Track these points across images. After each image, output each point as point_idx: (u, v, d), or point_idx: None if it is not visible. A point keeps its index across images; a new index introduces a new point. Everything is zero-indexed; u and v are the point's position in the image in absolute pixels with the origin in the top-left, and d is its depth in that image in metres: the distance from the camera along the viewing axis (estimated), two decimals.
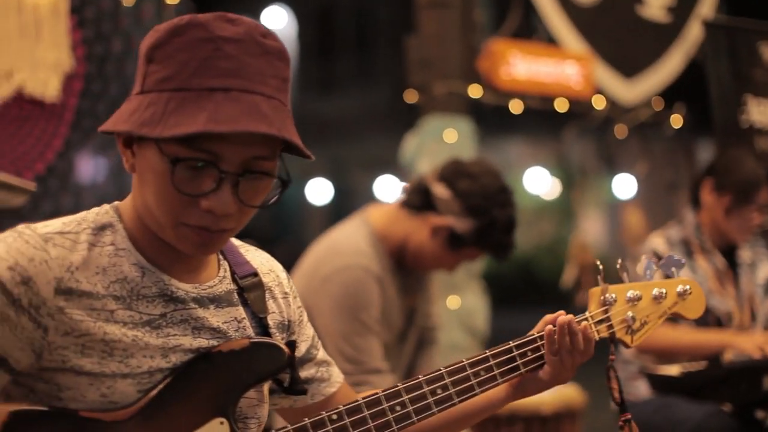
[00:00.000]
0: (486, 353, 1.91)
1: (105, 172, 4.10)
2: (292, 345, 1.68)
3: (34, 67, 3.93)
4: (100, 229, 1.58)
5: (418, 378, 1.79)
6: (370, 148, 19.21)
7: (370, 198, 16.59)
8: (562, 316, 1.90)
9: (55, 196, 3.95)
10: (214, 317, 1.64)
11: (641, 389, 3.81)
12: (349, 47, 20.91)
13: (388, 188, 18.09)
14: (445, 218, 3.04)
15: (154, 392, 1.54)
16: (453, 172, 3.09)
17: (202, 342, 1.62)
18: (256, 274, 1.75)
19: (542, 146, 18.69)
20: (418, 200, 3.10)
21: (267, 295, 1.77)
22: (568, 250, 5.13)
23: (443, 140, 4.28)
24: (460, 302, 4.51)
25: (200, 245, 1.56)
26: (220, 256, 1.73)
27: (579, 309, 1.99)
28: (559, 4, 4.73)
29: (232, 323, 1.67)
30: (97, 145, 4.08)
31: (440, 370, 1.82)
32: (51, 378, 1.51)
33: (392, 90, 19.44)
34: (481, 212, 3.01)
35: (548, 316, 1.93)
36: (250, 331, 1.69)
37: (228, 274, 1.71)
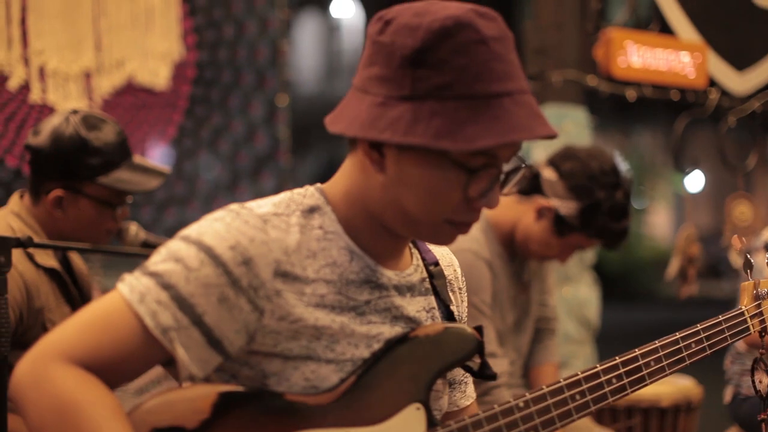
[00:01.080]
0: (656, 344, 1.86)
1: (218, 159, 4.10)
2: (480, 330, 1.64)
3: (144, 56, 3.94)
4: (309, 211, 1.54)
5: (596, 367, 1.76)
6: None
7: None
8: None
9: (169, 183, 3.95)
10: (410, 306, 1.62)
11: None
12: None
13: None
14: (550, 200, 2.99)
15: (354, 377, 1.52)
16: (561, 156, 3.05)
17: (399, 331, 1.59)
18: (437, 263, 1.72)
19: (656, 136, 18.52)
20: (527, 185, 3.06)
21: (448, 286, 1.74)
22: (674, 244, 5.03)
23: (561, 130, 4.21)
24: (572, 293, 4.44)
25: (451, 238, 1.56)
26: (411, 244, 1.70)
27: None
28: None
29: (424, 312, 1.64)
30: (210, 132, 4.08)
31: (615, 359, 1.79)
32: (257, 363, 1.49)
33: None
34: (584, 193, 2.95)
35: None
36: (440, 320, 1.67)
37: (420, 262, 1.68)
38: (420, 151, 1.45)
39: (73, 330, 1.43)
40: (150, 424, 1.40)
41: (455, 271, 1.79)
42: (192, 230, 1.48)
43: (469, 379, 1.85)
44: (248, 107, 4.13)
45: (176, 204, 3.97)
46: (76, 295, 2.66)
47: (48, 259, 2.58)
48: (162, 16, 3.98)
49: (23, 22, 3.75)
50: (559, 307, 4.37)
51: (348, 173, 1.56)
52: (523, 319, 3.19)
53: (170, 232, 2.78)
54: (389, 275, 1.59)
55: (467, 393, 1.84)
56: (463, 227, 1.52)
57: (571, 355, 4.45)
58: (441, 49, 1.43)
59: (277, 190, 4.15)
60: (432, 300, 1.67)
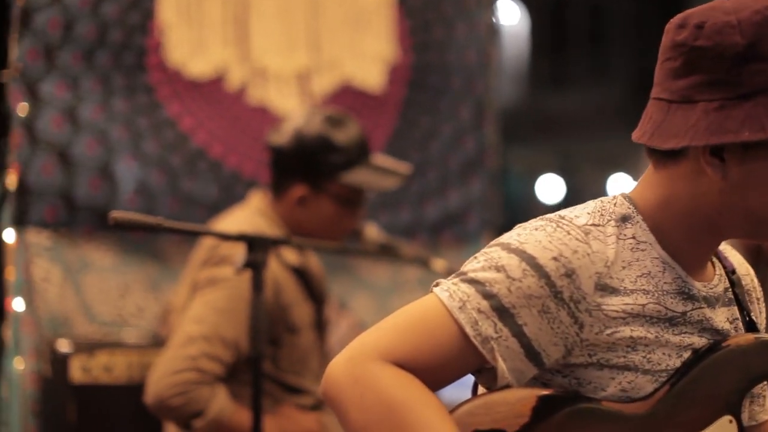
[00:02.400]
0: None
1: (428, 162, 4.09)
2: None
3: (359, 57, 3.95)
4: (622, 221, 1.51)
5: None
6: (603, 146, 18.90)
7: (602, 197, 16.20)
8: None
9: None
10: (717, 317, 1.58)
11: None
12: (582, 43, 20.62)
13: (621, 188, 17.66)
14: None
15: (668, 387, 1.49)
16: None
17: (706, 342, 1.55)
18: (735, 271, 1.66)
19: None
20: None
21: (747, 296, 1.68)
22: None
23: None
24: None
25: None
26: (713, 255, 1.65)
27: None
28: None
29: (728, 323, 1.60)
30: (421, 135, 4.07)
31: None
32: (572, 373, 1.48)
33: (626, 87, 19.06)
34: None
35: None
36: (743, 331, 1.61)
37: (722, 271, 1.63)
38: (766, 147, 1.42)
39: (391, 332, 1.43)
40: (471, 426, 1.40)
41: (752, 280, 1.74)
42: (511, 239, 1.46)
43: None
44: (457, 111, 4.10)
45: (388, 207, 3.98)
46: (317, 293, 2.68)
47: (293, 258, 2.60)
48: (376, 18, 3.99)
49: (242, 22, 3.81)
50: None
51: (663, 184, 1.53)
52: None
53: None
54: (699, 286, 1.56)
55: (766, 407, 1.77)
56: None
57: None
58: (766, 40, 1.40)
59: (485, 194, 4.12)
60: (735, 310, 1.63)
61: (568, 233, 1.45)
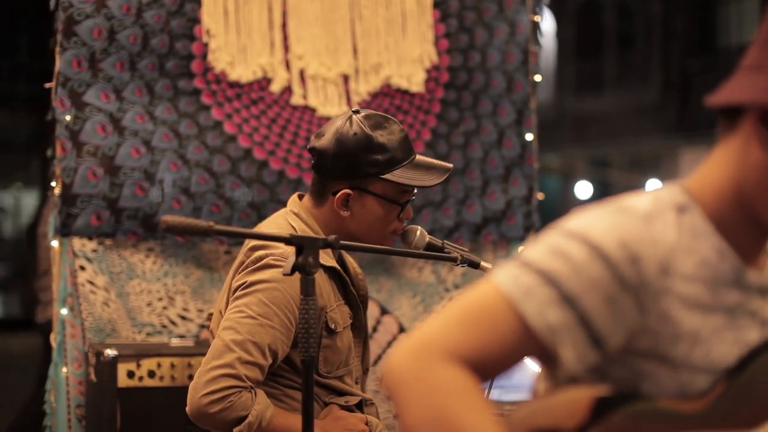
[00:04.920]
0: None
1: (469, 163, 4.07)
2: None
3: (400, 60, 3.96)
4: (680, 209, 1.49)
5: None
6: (633, 149, 18.83)
7: None
8: None
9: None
10: None
11: None
12: (611, 44, 20.53)
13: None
14: None
15: (726, 383, 1.46)
16: None
17: (765, 336, 1.52)
18: None
19: None
20: None
21: None
22: None
23: None
24: None
25: None
26: None
27: None
28: None
29: None
30: (462, 136, 4.06)
31: None
32: (632, 364, 1.46)
33: (655, 89, 18.92)
34: None
35: None
36: None
37: None
38: None
39: (453, 326, 1.42)
40: (530, 426, 1.40)
41: None
42: (573, 225, 1.44)
43: None
44: (498, 111, 4.09)
45: (431, 207, 3.97)
46: (354, 295, 2.68)
47: (329, 259, 2.60)
48: (415, 21, 3.99)
49: (284, 27, 3.83)
50: None
51: (718, 163, 1.50)
52: None
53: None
54: (756, 277, 1.52)
55: None
56: None
57: None
58: None
59: (527, 195, 4.09)
60: None
61: (631, 220, 1.43)
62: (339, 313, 2.61)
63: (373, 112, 2.68)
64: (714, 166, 1.51)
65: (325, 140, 2.61)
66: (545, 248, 1.43)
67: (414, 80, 3.97)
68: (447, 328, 1.42)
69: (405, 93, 3.96)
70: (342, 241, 2.39)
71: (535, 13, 4.19)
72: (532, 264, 1.42)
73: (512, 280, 1.41)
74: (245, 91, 3.77)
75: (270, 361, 2.46)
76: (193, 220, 2.01)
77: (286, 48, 3.83)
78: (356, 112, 2.65)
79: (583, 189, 20.13)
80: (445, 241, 2.71)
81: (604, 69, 20.64)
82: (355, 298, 2.68)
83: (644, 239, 1.42)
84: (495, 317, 1.40)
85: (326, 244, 2.24)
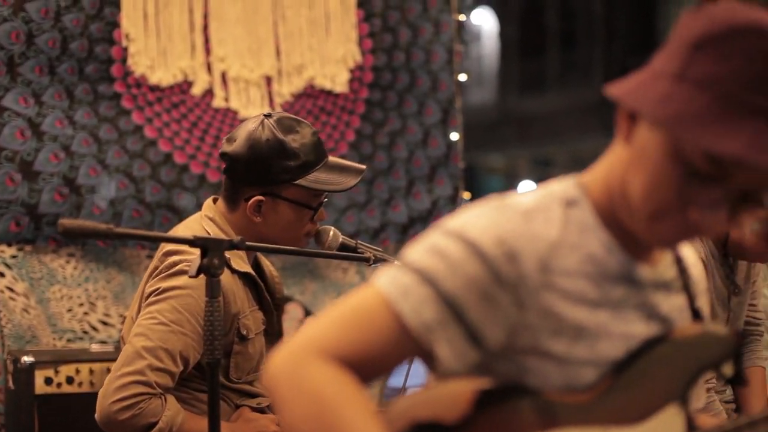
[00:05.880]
0: None
1: (395, 163, 4.08)
2: (741, 334, 1.57)
3: (323, 61, 3.95)
4: (568, 204, 1.49)
5: None
6: (576, 148, 18.96)
7: None
8: None
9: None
10: (664, 304, 1.55)
11: None
12: (554, 43, 20.68)
13: None
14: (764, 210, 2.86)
15: (613, 376, 1.47)
16: None
17: (654, 330, 1.52)
18: (683, 260, 1.65)
19: None
20: None
21: (694, 287, 1.66)
22: None
23: None
24: None
25: (668, 243, 1.48)
26: None
27: None
28: None
29: (676, 312, 1.57)
30: (387, 136, 4.07)
31: None
32: (515, 359, 1.45)
33: (597, 88, 19.10)
34: None
35: None
36: (690, 320, 1.60)
37: (671, 258, 1.61)
38: (661, 137, 1.39)
39: (331, 326, 1.42)
40: (410, 418, 1.40)
41: (701, 271, 1.71)
42: (452, 224, 1.44)
43: (702, 383, 1.78)
44: (424, 111, 4.10)
45: (355, 209, 3.96)
46: (268, 300, 2.66)
47: (242, 264, 2.58)
48: (339, 21, 3.99)
49: (205, 29, 3.80)
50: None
51: (610, 157, 1.51)
52: (734, 323, 3.08)
53: (351, 238, 2.76)
54: (645, 271, 1.53)
55: (700, 396, 1.77)
56: (677, 238, 1.44)
57: None
58: (726, 44, 1.37)
59: (453, 194, 4.11)
60: (683, 299, 1.60)
61: (510, 216, 1.43)
62: (252, 320, 2.59)
63: (286, 115, 2.67)
64: (607, 160, 1.52)
65: (237, 145, 2.59)
66: (424, 248, 1.43)
67: (338, 81, 3.97)
68: (325, 329, 1.42)
69: (329, 93, 3.96)
70: (249, 243, 2.38)
71: (460, 13, 4.20)
72: (410, 264, 1.42)
73: (391, 280, 1.41)
74: (166, 94, 3.74)
75: (181, 368, 2.44)
76: (91, 222, 1.99)
77: (208, 50, 3.81)
78: (268, 115, 2.62)
79: (527, 188, 20.25)
80: (359, 242, 2.70)
81: (546, 68, 20.79)
82: (269, 304, 2.67)
83: (523, 236, 1.42)
84: (373, 317, 1.40)
85: (231, 246, 2.23)
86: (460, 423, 1.38)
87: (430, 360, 1.43)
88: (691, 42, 1.39)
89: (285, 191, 2.58)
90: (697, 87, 1.36)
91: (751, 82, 1.34)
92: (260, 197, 2.56)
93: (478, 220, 1.43)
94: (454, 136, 4.15)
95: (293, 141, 2.58)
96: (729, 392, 3.10)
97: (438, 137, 4.11)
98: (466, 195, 4.18)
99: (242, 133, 2.59)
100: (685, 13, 1.45)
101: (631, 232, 1.50)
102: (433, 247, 1.42)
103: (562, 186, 1.52)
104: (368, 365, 1.40)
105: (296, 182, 2.57)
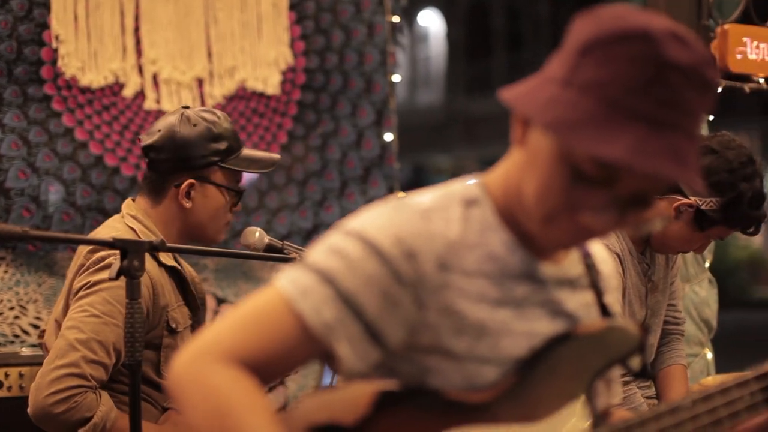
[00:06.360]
0: None
1: (328, 164, 4.09)
2: (647, 328, 1.60)
3: (255, 63, 3.95)
4: (468, 203, 1.51)
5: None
6: None
7: None
8: None
9: (280, 190, 3.96)
10: (569, 301, 1.57)
11: None
12: (500, 45, 20.80)
13: None
14: (690, 198, 2.92)
15: (516, 374, 1.48)
16: None
17: (558, 327, 1.54)
18: (591, 257, 1.67)
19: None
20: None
21: (603, 283, 1.68)
22: None
23: None
24: (691, 293, 4.34)
25: (562, 245, 1.50)
26: None
27: None
28: None
29: (582, 308, 1.59)
30: (320, 138, 4.08)
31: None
32: (417, 359, 1.46)
33: None
34: (727, 188, 2.88)
35: None
36: (598, 316, 1.62)
37: (578, 256, 1.63)
38: (550, 141, 1.41)
39: (232, 328, 1.43)
40: (308, 421, 1.40)
41: (612, 270, 1.74)
42: (353, 224, 1.46)
43: (618, 378, 1.81)
44: (357, 112, 4.12)
45: (288, 210, 3.97)
46: (194, 295, 2.68)
47: (169, 259, 2.60)
48: (271, 24, 3.99)
49: (137, 31, 3.79)
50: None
51: (507, 161, 1.53)
52: (652, 320, 3.12)
53: (283, 239, 2.78)
54: (548, 268, 1.54)
55: (616, 392, 1.79)
56: (569, 240, 1.47)
57: (691, 357, 4.34)
58: (611, 49, 1.38)
59: (386, 196, 4.13)
60: (590, 295, 1.62)
61: (409, 215, 1.44)
62: (180, 314, 2.61)
63: (202, 108, 2.73)
64: (506, 162, 1.54)
65: (159, 136, 2.61)
66: (324, 248, 1.44)
67: (270, 83, 3.98)
68: (226, 331, 1.42)
69: (261, 96, 3.97)
70: (170, 245, 2.39)
71: (394, 14, 4.23)
72: (310, 264, 1.43)
73: (291, 280, 1.42)
74: (97, 96, 3.72)
75: (114, 360, 2.44)
76: (5, 225, 1.98)
77: (139, 52, 3.80)
78: (186, 107, 2.68)
79: None
80: (285, 242, 2.72)
81: (493, 70, 20.91)
82: (195, 300, 2.68)
83: (421, 235, 1.43)
84: (274, 318, 1.41)
85: (152, 248, 2.24)
86: (359, 425, 1.39)
87: (332, 360, 1.44)
88: (579, 47, 1.41)
89: (213, 175, 2.63)
90: (582, 92, 1.38)
91: (634, 88, 1.36)
92: (191, 181, 2.60)
93: (377, 219, 1.44)
94: (389, 137, 4.17)
95: (217, 126, 2.64)
96: (653, 388, 3.15)
97: (372, 138, 4.13)
98: (401, 195, 4.20)
99: (163, 125, 2.64)
100: (577, 17, 1.46)
101: (530, 230, 1.52)
102: (333, 247, 1.43)
103: (463, 186, 1.54)
104: (270, 366, 1.41)
105: (224, 165, 2.62)
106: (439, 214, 1.46)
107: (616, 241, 2.96)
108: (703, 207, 2.91)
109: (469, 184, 1.54)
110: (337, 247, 1.43)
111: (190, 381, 1.39)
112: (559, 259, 1.58)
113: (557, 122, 1.37)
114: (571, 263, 1.60)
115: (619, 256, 2.94)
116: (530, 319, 1.51)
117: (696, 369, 4.35)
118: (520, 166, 1.48)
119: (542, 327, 1.52)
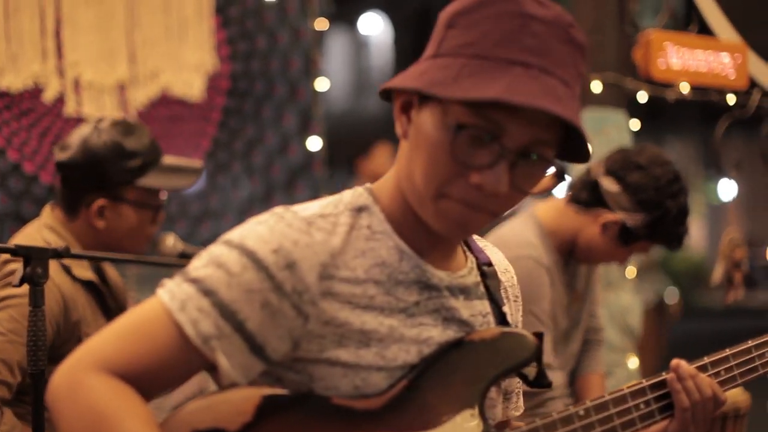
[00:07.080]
0: (727, 352, 1.83)
1: (252, 171, 4.07)
2: (541, 336, 1.59)
3: (178, 68, 3.92)
4: (357, 211, 1.50)
5: (662, 375, 1.74)
6: None
7: None
8: None
9: (204, 196, 3.92)
10: (463, 309, 1.56)
11: None
12: None
13: None
14: (616, 214, 2.93)
15: (405, 382, 1.47)
16: (621, 165, 2.96)
17: (451, 334, 1.53)
18: (490, 264, 1.66)
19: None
20: (587, 196, 2.99)
21: (503, 292, 1.68)
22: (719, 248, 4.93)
23: (602, 134, 4.14)
24: (615, 300, 4.37)
25: (458, 223, 1.45)
26: (465, 247, 1.65)
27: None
28: None
29: (478, 317, 1.58)
30: (244, 145, 4.05)
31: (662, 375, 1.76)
32: (303, 368, 1.45)
33: None
34: (653, 205, 2.90)
35: None
36: (493, 325, 1.61)
37: (474, 265, 1.63)
38: (432, 110, 1.41)
39: (110, 339, 1.41)
40: (190, 426, 1.38)
41: (512, 278, 1.73)
42: (234, 234, 1.44)
43: (521, 391, 1.80)
44: (281, 118, 4.10)
45: (211, 217, 3.94)
46: (113, 308, 2.64)
47: (84, 272, 2.55)
48: (195, 28, 3.96)
49: (57, 34, 3.74)
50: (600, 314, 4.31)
51: (397, 161, 1.53)
52: (573, 329, 3.14)
53: (206, 246, 2.75)
54: (441, 276, 1.54)
55: (518, 404, 1.78)
56: (465, 210, 1.43)
57: (614, 364, 4.37)
58: (475, 14, 1.41)
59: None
60: (486, 304, 1.61)
61: (290, 225, 1.42)
62: (95, 328, 2.56)
63: (119, 119, 2.66)
64: (395, 165, 1.53)
65: (72, 152, 2.56)
66: (205, 259, 1.42)
67: (194, 88, 3.94)
68: (105, 342, 1.40)
69: (184, 101, 3.93)
70: (74, 252, 2.35)
71: (319, 19, 4.22)
72: (190, 275, 1.41)
73: (172, 292, 1.40)
74: (15, 101, 3.66)
75: (19, 378, 2.39)
76: None
77: (60, 55, 3.74)
78: (101, 120, 2.62)
79: None
80: (201, 248, 2.69)
81: None
82: (114, 312, 2.64)
83: (301, 245, 1.41)
84: (153, 329, 1.39)
85: (56, 254, 2.20)
86: (243, 430, 1.37)
87: (214, 372, 1.43)
88: (444, 23, 1.45)
89: (126, 193, 2.58)
90: (450, 56, 1.40)
91: (502, 39, 1.38)
92: (102, 201, 2.55)
93: (258, 229, 1.43)
94: (315, 144, 4.15)
95: (131, 142, 2.58)
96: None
97: (296, 145, 4.12)
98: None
99: (76, 140, 2.58)
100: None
101: (426, 235, 1.51)
102: (213, 257, 1.41)
103: (352, 194, 1.53)
104: (150, 377, 1.39)
105: (137, 183, 2.57)
106: (323, 223, 1.45)
107: (545, 255, 2.97)
108: (628, 223, 2.94)
109: (358, 192, 1.54)
110: (218, 258, 1.41)
111: (67, 393, 1.37)
112: (453, 267, 1.58)
113: (432, 83, 1.39)
114: (466, 271, 1.60)
115: (548, 270, 2.95)
116: (421, 326, 1.50)
117: (621, 376, 4.38)
118: (408, 155, 1.47)
119: (433, 334, 1.51)
